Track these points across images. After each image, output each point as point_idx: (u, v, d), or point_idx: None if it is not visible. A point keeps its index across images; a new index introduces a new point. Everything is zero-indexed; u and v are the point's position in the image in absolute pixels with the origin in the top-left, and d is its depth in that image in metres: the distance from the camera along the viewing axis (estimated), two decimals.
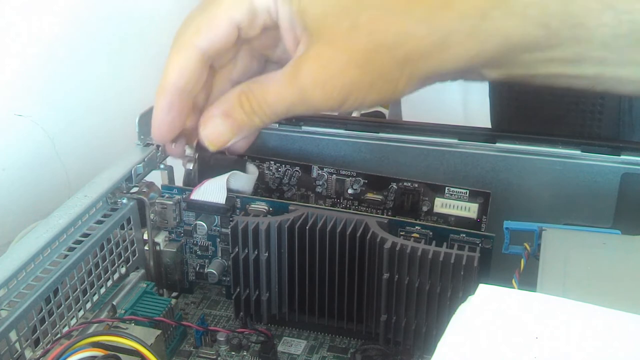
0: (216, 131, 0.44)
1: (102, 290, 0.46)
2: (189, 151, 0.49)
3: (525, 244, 0.40)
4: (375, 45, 0.39)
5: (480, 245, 0.44)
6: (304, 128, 0.53)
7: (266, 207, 0.47)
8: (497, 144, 0.50)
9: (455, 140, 0.51)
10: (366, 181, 0.50)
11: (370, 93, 0.41)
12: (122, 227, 0.47)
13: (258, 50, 0.46)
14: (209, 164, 0.48)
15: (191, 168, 0.49)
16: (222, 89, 0.46)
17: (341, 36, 0.40)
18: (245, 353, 0.47)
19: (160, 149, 0.50)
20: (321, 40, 0.41)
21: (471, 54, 0.39)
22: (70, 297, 0.42)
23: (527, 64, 0.40)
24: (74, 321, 0.43)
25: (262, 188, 0.51)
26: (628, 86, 0.40)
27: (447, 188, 0.48)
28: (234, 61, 0.46)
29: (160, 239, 0.50)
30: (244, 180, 0.48)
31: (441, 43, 0.39)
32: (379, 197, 0.49)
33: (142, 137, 0.50)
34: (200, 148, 0.48)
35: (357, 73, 0.40)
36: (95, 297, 0.45)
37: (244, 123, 0.43)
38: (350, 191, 0.50)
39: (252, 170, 0.50)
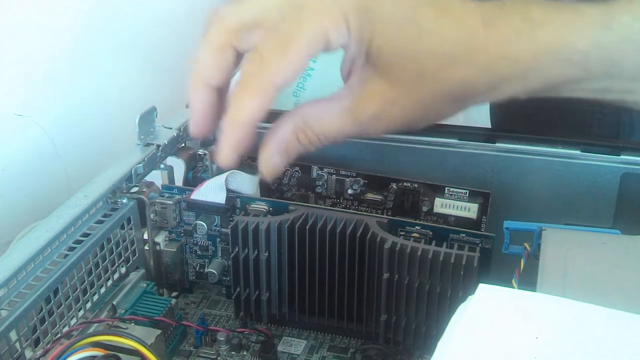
0: (275, 167, 0.45)
1: (102, 290, 0.46)
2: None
3: (525, 244, 0.40)
4: (439, 90, 0.42)
5: (480, 245, 0.44)
6: None
7: (266, 207, 0.47)
8: (497, 144, 0.50)
9: (455, 140, 0.51)
10: (366, 181, 0.50)
11: (421, 123, 0.45)
12: (122, 227, 0.47)
13: None
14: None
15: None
16: None
17: (407, 80, 0.42)
18: (245, 353, 0.47)
19: (160, 148, 0.50)
20: (385, 79, 0.42)
21: (516, 91, 0.42)
22: (70, 297, 0.42)
23: (557, 90, 0.43)
24: (74, 321, 0.43)
25: (261, 188, 0.51)
26: None
27: (447, 188, 0.48)
28: None
29: (160, 238, 0.50)
30: (247, 180, 0.48)
31: (494, 86, 0.42)
32: (378, 197, 0.49)
33: (142, 137, 0.50)
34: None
35: (417, 112, 0.44)
36: (95, 297, 0.45)
37: (298, 152, 0.45)
38: (350, 191, 0.50)
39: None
